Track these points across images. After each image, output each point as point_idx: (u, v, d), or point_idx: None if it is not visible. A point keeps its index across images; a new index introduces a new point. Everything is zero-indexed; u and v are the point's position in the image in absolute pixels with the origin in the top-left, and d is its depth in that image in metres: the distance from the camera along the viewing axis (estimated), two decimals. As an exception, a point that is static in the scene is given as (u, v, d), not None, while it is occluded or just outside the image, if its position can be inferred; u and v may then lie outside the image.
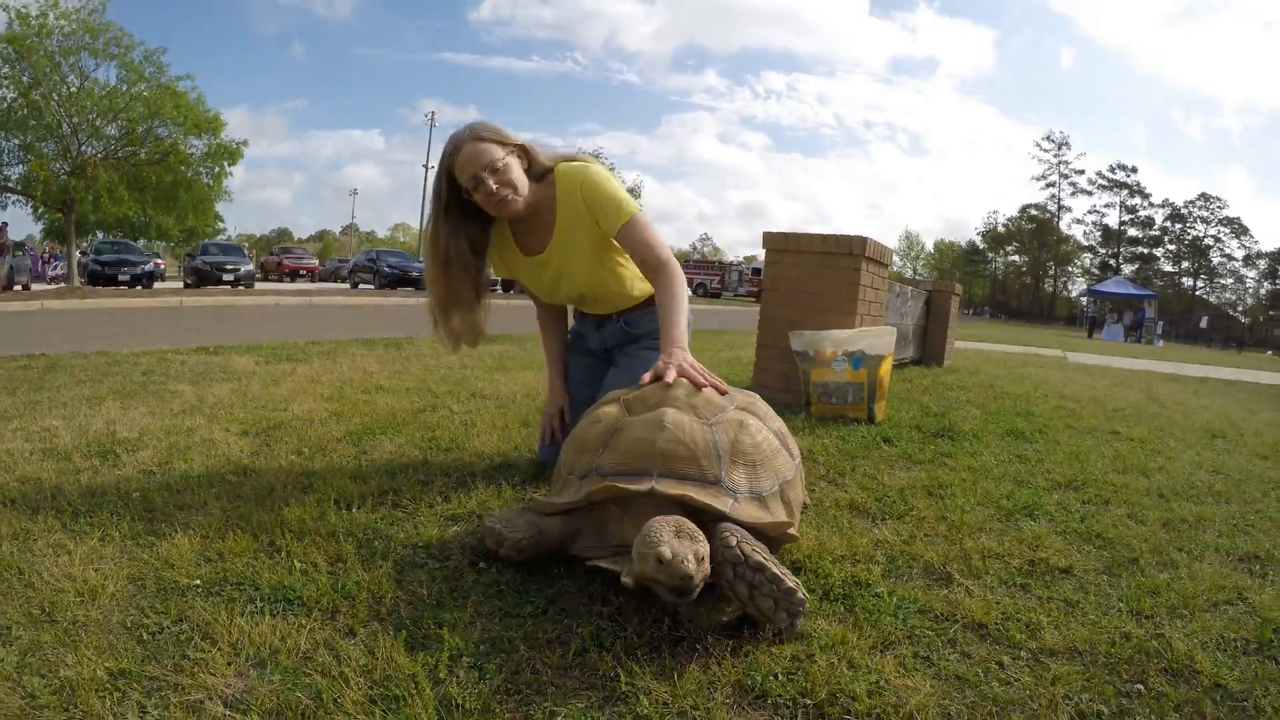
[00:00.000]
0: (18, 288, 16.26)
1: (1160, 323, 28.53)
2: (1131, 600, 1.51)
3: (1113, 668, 1.24)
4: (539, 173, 1.98)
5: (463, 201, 1.92)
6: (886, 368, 3.52)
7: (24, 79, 15.47)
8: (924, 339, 6.72)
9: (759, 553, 1.27)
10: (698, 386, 1.60)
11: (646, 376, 1.65)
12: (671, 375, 1.62)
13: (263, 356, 4.81)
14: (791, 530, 1.46)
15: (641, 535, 1.26)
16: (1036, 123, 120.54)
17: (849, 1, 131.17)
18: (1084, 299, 36.22)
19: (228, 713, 1.07)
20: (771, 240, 3.90)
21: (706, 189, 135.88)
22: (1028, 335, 19.50)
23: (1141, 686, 1.19)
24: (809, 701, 1.14)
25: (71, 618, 1.28)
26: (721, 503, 1.36)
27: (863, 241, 3.70)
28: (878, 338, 3.52)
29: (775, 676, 1.19)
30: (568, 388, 2.29)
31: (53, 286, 17.29)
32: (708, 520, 1.36)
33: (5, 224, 15.82)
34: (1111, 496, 2.30)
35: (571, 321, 2.43)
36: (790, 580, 1.26)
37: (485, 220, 2.01)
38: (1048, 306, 53.51)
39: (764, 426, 1.57)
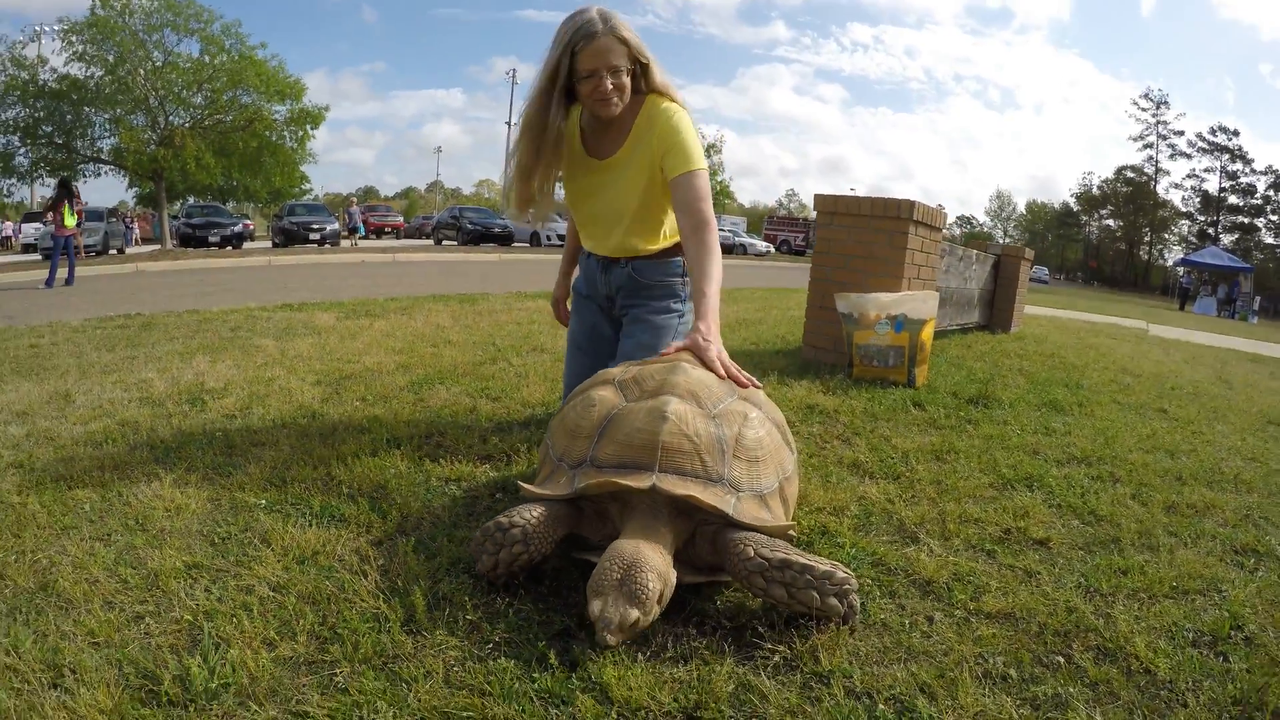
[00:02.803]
0: (113, 252, 16.79)
1: (1257, 298, 25.34)
2: (1093, 578, 1.45)
3: (1041, 637, 1.22)
4: (635, 85, 1.86)
5: (569, 83, 1.80)
6: (928, 332, 3.39)
7: (110, 57, 15.80)
8: (991, 304, 6.35)
9: (778, 550, 1.17)
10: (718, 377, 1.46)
11: (674, 345, 1.57)
12: (713, 354, 1.52)
13: (343, 313, 4.93)
14: (791, 532, 1.32)
15: (597, 567, 1.14)
16: (1131, 79, 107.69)
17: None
18: (1179, 269, 32.65)
19: (272, 594, 1.26)
20: (822, 203, 3.78)
21: (788, 143, 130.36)
22: (1115, 305, 17.88)
23: (1062, 658, 1.16)
24: (728, 624, 1.21)
25: (160, 527, 1.50)
26: (725, 503, 1.23)
27: (910, 205, 3.52)
28: (921, 302, 3.39)
29: (699, 589, 1.28)
30: (567, 333, 2.25)
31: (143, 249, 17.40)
32: (708, 521, 1.27)
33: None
34: (1124, 475, 2.16)
35: (577, 271, 2.29)
36: (823, 564, 1.16)
37: (572, 104, 1.91)
38: (1142, 275, 48.53)
39: (766, 419, 1.43)
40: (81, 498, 1.64)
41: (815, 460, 2.13)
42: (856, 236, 3.70)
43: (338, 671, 1.05)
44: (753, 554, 1.16)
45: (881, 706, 1.01)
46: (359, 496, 1.68)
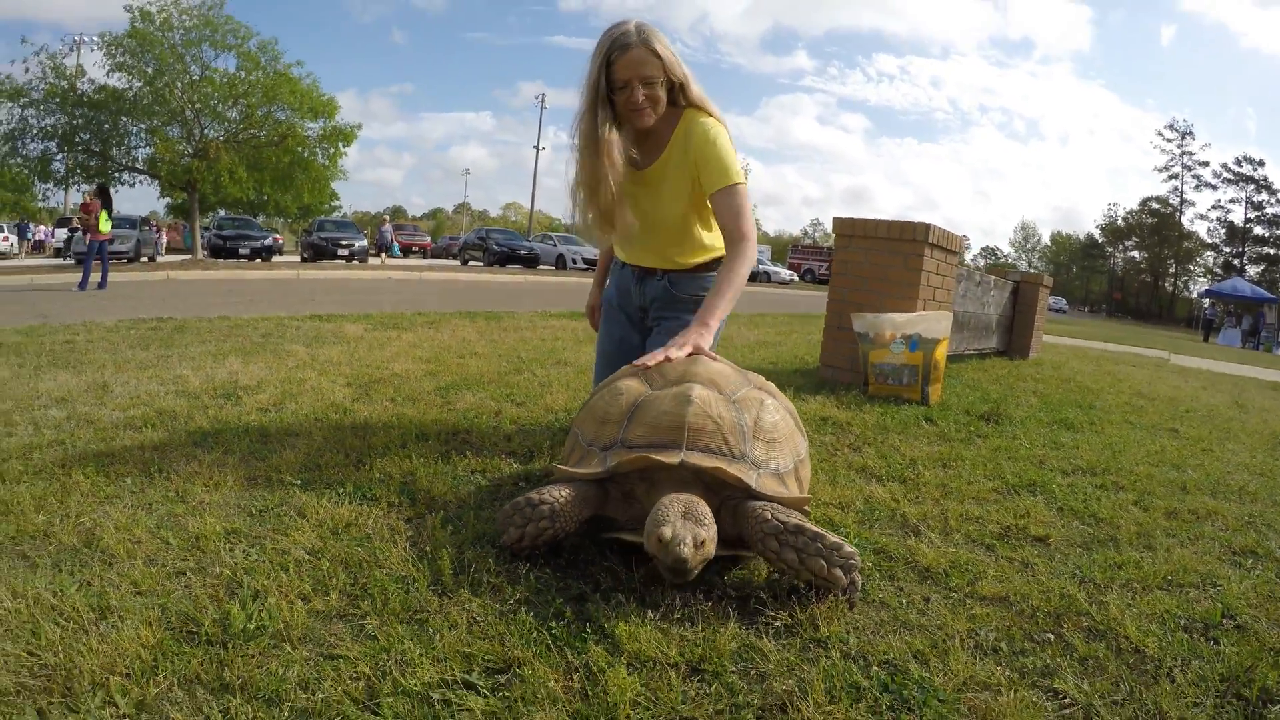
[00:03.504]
0: (144, 259, 17.21)
1: (1282, 329, 24.94)
2: (1089, 570, 1.50)
3: (1033, 617, 1.27)
4: (674, 99, 1.89)
5: (609, 95, 1.83)
6: (942, 351, 3.45)
7: (148, 70, 16.04)
8: (1009, 330, 6.37)
9: (794, 517, 1.26)
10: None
11: (662, 353, 1.59)
12: (686, 351, 1.57)
13: (371, 324, 5.06)
14: (806, 507, 1.39)
15: (653, 511, 1.24)
16: (1156, 110, 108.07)
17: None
18: (1204, 300, 32.27)
19: (308, 557, 1.35)
20: (840, 225, 3.87)
21: (812, 172, 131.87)
22: (1138, 335, 17.72)
23: (1052, 636, 1.21)
24: (734, 593, 1.28)
25: (199, 500, 1.60)
26: (748, 476, 1.32)
27: (926, 228, 3.61)
28: (935, 322, 3.46)
29: (709, 564, 1.31)
30: (597, 343, 2.28)
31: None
32: (731, 496, 1.35)
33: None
34: (1128, 484, 2.20)
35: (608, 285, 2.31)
36: (832, 536, 1.24)
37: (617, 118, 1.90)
38: (1167, 306, 48.09)
39: (780, 406, 1.53)
40: (123, 472, 1.75)
41: (825, 465, 2.19)
42: (873, 259, 3.78)
43: (368, 622, 1.13)
44: (769, 517, 1.25)
45: (875, 668, 1.07)
46: (389, 480, 1.77)
